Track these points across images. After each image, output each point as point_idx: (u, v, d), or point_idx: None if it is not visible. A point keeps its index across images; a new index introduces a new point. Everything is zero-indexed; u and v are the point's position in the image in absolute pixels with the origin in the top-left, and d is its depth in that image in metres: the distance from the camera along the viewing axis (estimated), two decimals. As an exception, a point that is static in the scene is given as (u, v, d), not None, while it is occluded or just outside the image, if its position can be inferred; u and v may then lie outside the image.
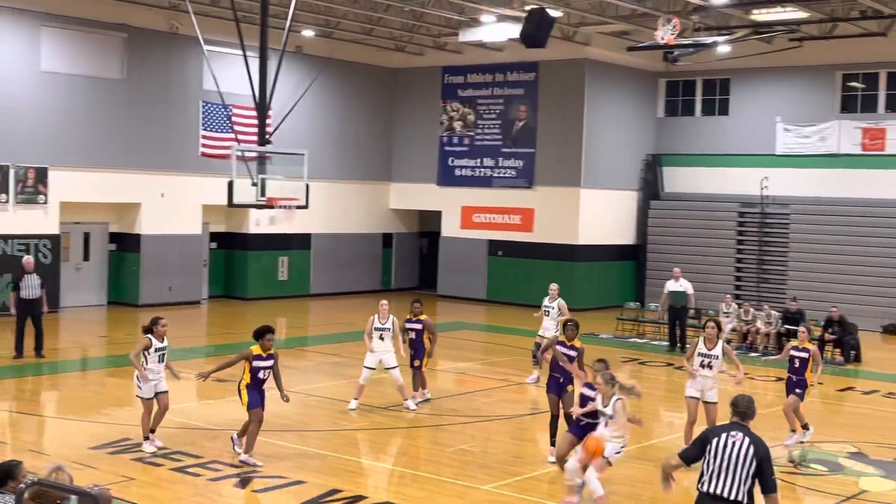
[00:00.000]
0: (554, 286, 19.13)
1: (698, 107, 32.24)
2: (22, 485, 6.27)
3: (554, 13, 18.67)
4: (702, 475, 7.81)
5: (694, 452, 7.93)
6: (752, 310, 23.70)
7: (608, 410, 10.94)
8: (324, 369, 19.62)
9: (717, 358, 13.30)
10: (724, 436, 7.79)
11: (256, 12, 22.13)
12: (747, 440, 7.73)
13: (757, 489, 7.76)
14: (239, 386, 12.76)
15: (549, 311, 18.56)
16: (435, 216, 33.65)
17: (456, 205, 32.75)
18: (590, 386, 11.49)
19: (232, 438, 13.09)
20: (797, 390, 14.47)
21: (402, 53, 32.70)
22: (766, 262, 30.10)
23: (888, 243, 27.86)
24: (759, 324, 23.23)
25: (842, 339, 22.50)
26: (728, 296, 24.89)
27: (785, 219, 29.75)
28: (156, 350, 13.08)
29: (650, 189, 32.31)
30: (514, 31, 23.90)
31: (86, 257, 27.71)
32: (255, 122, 21.09)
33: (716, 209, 31.00)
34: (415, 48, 32.36)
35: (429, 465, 13.14)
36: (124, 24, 26.91)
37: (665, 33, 21.23)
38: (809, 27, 26.38)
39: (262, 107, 20.10)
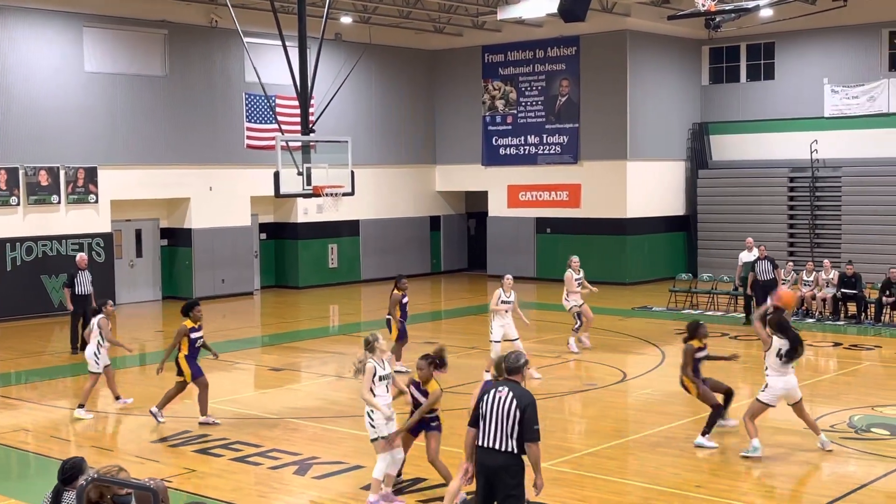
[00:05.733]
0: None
1: (743, 72, 31.80)
2: (82, 482, 6.35)
3: (592, -14, 18.49)
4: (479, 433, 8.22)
5: (476, 414, 8.29)
6: (814, 270, 23.34)
7: None
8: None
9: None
10: (492, 392, 8.23)
11: (294, 2, 22.18)
12: (511, 394, 8.12)
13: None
14: (177, 360, 14.00)
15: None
16: (481, 196, 33.60)
17: (502, 184, 32.65)
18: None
19: (152, 412, 14.09)
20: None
21: (440, 35, 32.62)
22: (819, 227, 29.69)
23: (944, 201, 27.35)
24: (818, 288, 22.87)
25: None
26: (789, 263, 24.60)
27: (836, 182, 29.30)
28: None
29: (698, 158, 31.97)
30: (552, 6, 23.67)
31: (139, 254, 28.05)
32: (298, 111, 21.16)
33: (766, 175, 30.61)
34: (453, 29, 32.26)
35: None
36: (164, 21, 27.11)
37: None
38: (854, -15, 25.89)
39: (304, 96, 20.13)
